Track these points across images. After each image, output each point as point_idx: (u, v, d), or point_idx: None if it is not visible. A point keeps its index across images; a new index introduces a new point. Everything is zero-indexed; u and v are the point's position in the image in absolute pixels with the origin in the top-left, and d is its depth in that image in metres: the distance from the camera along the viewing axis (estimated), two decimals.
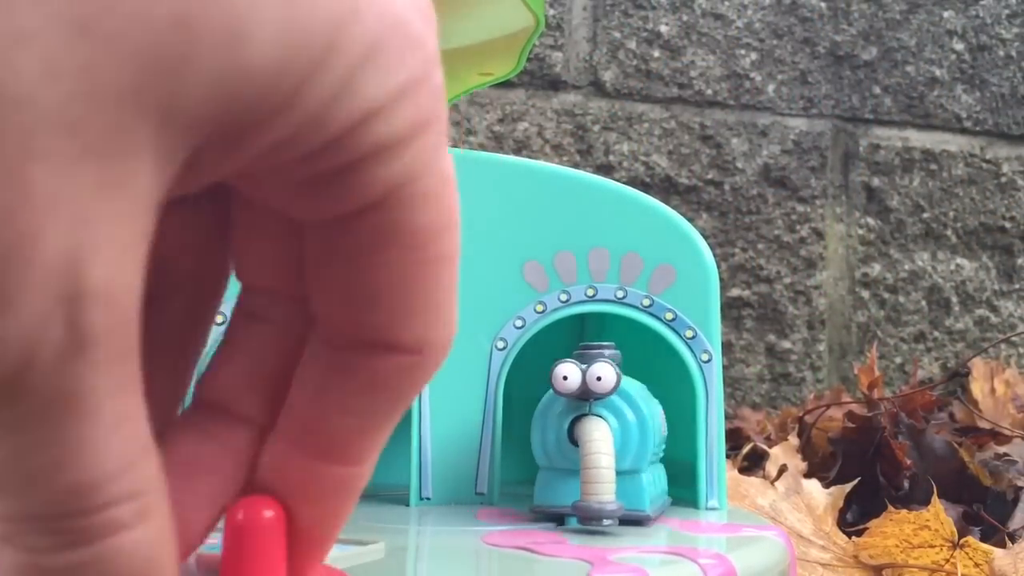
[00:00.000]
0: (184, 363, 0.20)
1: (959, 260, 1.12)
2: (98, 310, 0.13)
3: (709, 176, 1.05)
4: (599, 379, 0.37)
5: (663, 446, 0.41)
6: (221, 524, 0.19)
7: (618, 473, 0.36)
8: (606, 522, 0.35)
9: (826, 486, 0.58)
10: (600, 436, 0.36)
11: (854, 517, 0.63)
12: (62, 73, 0.12)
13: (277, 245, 0.18)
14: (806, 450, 0.76)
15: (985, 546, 0.51)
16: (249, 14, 0.14)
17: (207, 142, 0.14)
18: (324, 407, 0.18)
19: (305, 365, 0.18)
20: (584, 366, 0.37)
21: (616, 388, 0.37)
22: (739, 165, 1.06)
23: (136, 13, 0.13)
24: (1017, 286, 1.14)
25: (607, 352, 0.39)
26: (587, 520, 0.35)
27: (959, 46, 1.13)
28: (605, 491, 0.35)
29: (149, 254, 0.15)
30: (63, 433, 0.14)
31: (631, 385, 0.39)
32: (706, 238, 0.47)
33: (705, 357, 0.43)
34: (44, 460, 0.14)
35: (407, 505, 0.42)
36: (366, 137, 0.15)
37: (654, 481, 0.39)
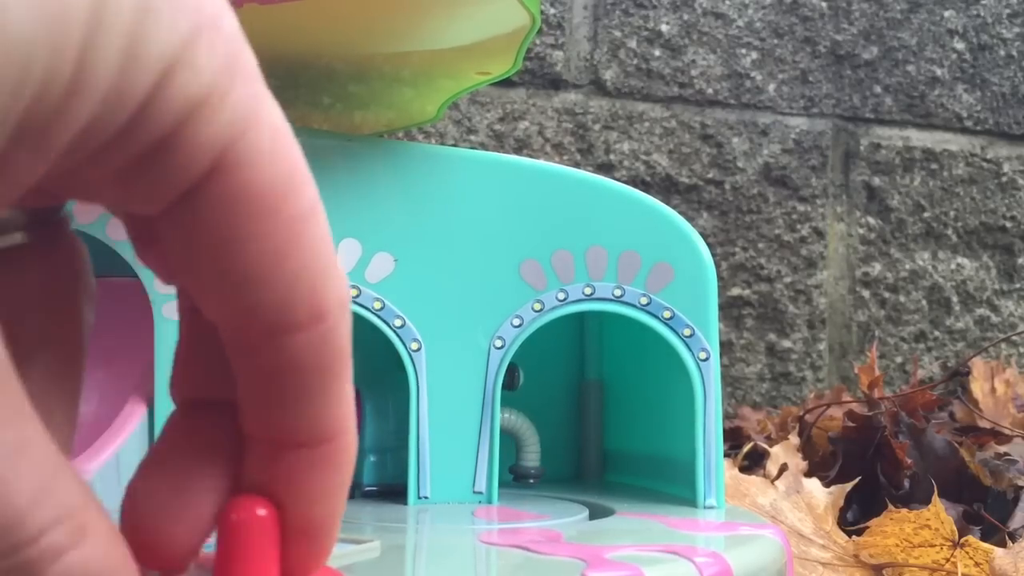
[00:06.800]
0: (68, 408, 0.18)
1: (960, 259, 1.12)
2: None
3: (710, 175, 1.05)
4: None
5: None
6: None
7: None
8: None
9: (826, 485, 0.58)
10: None
11: (854, 516, 0.63)
12: None
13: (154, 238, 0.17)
14: (806, 449, 0.76)
15: (985, 545, 0.51)
16: None
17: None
18: (264, 396, 0.17)
19: (232, 358, 0.17)
20: None
21: None
22: (740, 164, 1.06)
23: None
24: (1017, 285, 1.14)
25: None
26: None
27: (960, 45, 1.13)
28: None
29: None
30: None
31: None
32: (706, 237, 0.47)
33: (703, 355, 0.43)
34: None
35: (405, 504, 0.42)
36: (174, 96, 0.14)
37: None
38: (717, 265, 0.82)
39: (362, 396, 0.46)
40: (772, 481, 0.58)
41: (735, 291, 1.04)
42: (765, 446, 0.76)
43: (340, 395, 0.17)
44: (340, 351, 0.17)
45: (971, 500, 0.63)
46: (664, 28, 1.05)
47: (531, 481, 0.51)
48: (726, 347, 1.04)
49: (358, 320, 0.42)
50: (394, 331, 0.42)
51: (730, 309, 1.04)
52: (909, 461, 0.66)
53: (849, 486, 0.57)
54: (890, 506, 0.53)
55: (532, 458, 0.51)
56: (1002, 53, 1.15)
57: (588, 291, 0.44)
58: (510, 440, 0.51)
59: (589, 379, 0.56)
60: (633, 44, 1.04)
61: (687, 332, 0.43)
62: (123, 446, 0.37)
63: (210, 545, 0.19)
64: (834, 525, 0.55)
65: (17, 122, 0.13)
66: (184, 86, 0.14)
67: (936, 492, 0.53)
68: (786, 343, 1.06)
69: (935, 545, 0.51)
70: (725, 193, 1.05)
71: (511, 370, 0.48)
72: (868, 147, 1.10)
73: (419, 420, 0.42)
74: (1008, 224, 1.14)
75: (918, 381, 1.04)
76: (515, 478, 0.51)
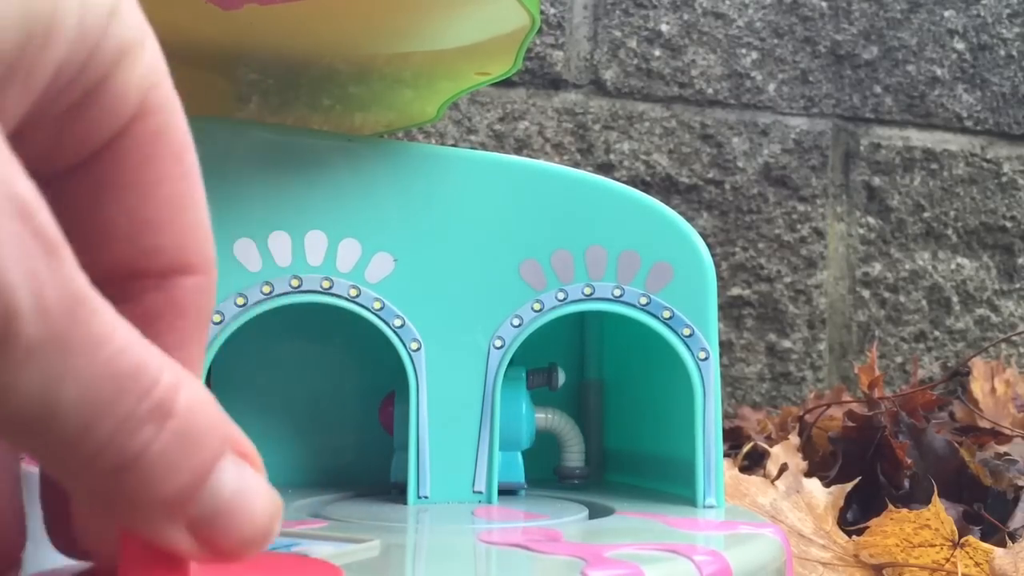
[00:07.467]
0: None
1: (960, 259, 1.12)
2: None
3: (710, 175, 1.05)
4: None
5: None
6: None
7: None
8: None
9: (826, 485, 0.58)
10: None
11: (854, 516, 0.63)
12: None
13: None
14: (806, 449, 0.76)
15: (985, 545, 0.51)
16: None
17: None
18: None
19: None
20: None
21: None
22: (740, 164, 1.06)
23: None
24: (1018, 285, 1.14)
25: None
26: None
27: (960, 45, 1.13)
28: None
29: None
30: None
31: None
32: (706, 237, 0.47)
33: (703, 355, 0.43)
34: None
35: (405, 503, 0.42)
36: (114, 40, 0.16)
37: None
38: (717, 265, 0.82)
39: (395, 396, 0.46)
40: (772, 481, 0.58)
41: (735, 291, 1.04)
42: (765, 446, 0.76)
43: (203, 350, 0.18)
44: (212, 307, 0.18)
45: (971, 500, 0.63)
46: (664, 28, 1.05)
47: (576, 482, 0.51)
48: (726, 347, 1.04)
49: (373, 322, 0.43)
50: (394, 331, 0.42)
51: (730, 309, 1.04)
52: (909, 461, 0.66)
53: (849, 486, 0.57)
54: (890, 506, 0.53)
55: (575, 458, 0.51)
56: (1002, 53, 1.15)
57: (588, 291, 0.44)
58: (552, 440, 0.51)
59: (589, 379, 0.56)
60: (633, 44, 1.04)
61: (687, 332, 0.43)
62: None
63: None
64: (834, 525, 0.55)
65: (10, 63, 0.14)
66: (120, 31, 0.16)
67: (936, 492, 0.53)
68: (786, 343, 1.06)
69: (935, 545, 0.51)
70: (725, 193, 1.05)
71: (549, 370, 0.48)
72: (868, 147, 1.10)
73: (419, 420, 0.42)
74: (1008, 224, 1.14)
75: (918, 381, 1.04)
76: (560, 479, 0.51)
